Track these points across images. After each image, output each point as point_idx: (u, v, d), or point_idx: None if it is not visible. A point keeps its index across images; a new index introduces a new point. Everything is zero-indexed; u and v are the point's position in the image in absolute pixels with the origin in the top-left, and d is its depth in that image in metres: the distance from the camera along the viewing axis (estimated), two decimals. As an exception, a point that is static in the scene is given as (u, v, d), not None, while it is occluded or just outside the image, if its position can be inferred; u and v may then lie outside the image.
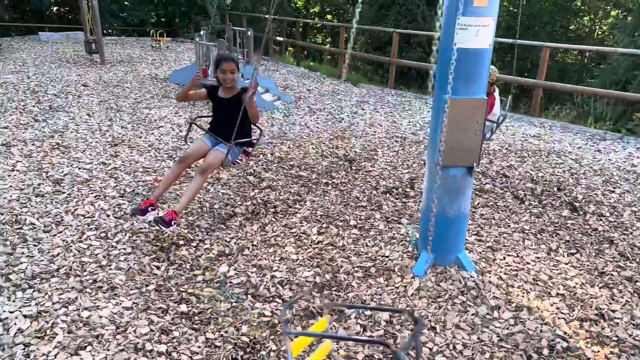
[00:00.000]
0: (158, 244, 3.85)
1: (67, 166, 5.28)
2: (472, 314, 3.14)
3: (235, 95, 4.04)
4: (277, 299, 3.25)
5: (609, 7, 22.41)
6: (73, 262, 3.49)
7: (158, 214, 3.78)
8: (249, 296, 3.27)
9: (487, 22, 2.99)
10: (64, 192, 4.63)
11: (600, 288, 3.49)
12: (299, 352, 1.32)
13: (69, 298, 3.09)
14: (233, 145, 3.87)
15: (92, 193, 4.65)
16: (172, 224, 3.61)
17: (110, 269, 3.45)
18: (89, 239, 3.84)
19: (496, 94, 5.13)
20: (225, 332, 2.92)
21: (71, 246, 3.70)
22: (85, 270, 3.41)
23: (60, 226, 4.00)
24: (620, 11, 21.64)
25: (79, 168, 5.24)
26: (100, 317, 2.94)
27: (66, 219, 4.12)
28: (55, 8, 22.36)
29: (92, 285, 3.25)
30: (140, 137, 6.44)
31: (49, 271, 3.37)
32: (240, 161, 4.21)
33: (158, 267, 3.54)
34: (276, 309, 3.14)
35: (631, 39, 11.94)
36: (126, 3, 22.41)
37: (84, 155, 5.65)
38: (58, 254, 3.59)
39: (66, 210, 4.27)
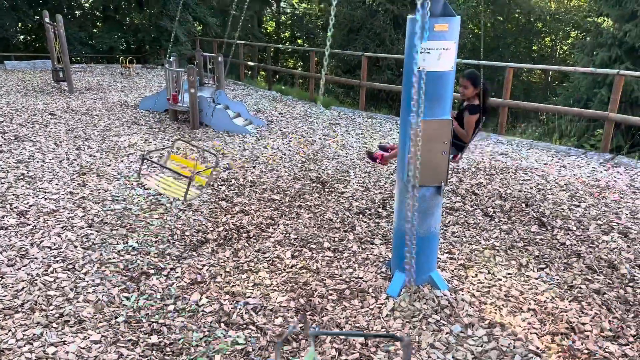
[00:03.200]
0: (127, 274, 3.77)
1: (33, 197, 5.15)
2: (447, 333, 3.15)
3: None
4: (250, 326, 3.20)
5: (568, 28, 23.32)
6: (38, 296, 3.38)
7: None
8: (222, 324, 3.22)
9: (448, 46, 3.07)
10: (29, 224, 4.51)
11: (569, 301, 3.55)
12: None
13: (34, 334, 2.99)
14: None
15: (58, 224, 4.54)
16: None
17: (78, 302, 3.36)
18: (56, 271, 3.73)
19: None
20: (198, 362, 2.85)
21: (36, 280, 3.59)
22: (51, 304, 3.31)
23: (25, 259, 3.88)
24: (579, 32, 22.54)
25: (45, 199, 5.12)
26: (67, 352, 2.85)
27: (31, 252, 4.00)
28: (21, 36, 22.08)
29: (59, 320, 3.15)
30: (109, 165, 6.34)
31: (12, 307, 3.25)
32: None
33: (128, 298, 3.46)
34: (250, 337, 3.09)
35: (590, 58, 12.41)
36: (94, 30, 22.28)
37: (50, 185, 5.53)
38: (22, 288, 3.48)
39: (31, 243, 4.15)
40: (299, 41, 28.40)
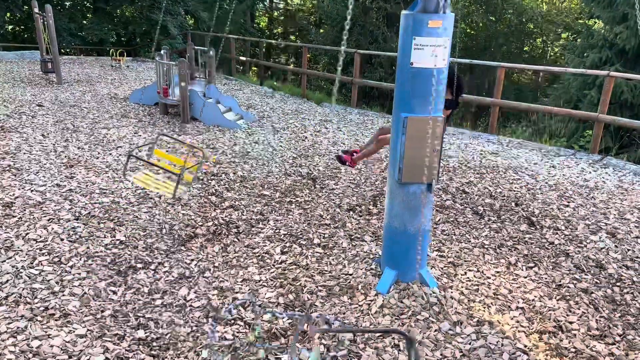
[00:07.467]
0: (115, 267, 3.72)
1: (19, 189, 5.07)
2: (435, 330, 3.15)
3: None
4: (239, 322, 3.18)
5: (559, 30, 23.46)
6: (23, 289, 3.33)
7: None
8: (210, 319, 3.19)
9: (442, 43, 3.06)
10: (14, 216, 4.44)
11: (557, 300, 3.56)
12: None
13: (18, 327, 2.94)
14: None
15: (45, 216, 4.48)
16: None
17: (64, 295, 3.31)
18: (41, 264, 3.68)
19: None
20: (185, 357, 2.83)
21: (21, 272, 3.54)
22: (36, 297, 3.26)
23: (9, 251, 3.82)
24: (570, 33, 22.69)
25: (32, 190, 5.05)
26: (52, 346, 2.81)
27: (16, 244, 3.94)
28: (10, 27, 21.78)
29: (44, 313, 3.11)
30: (98, 158, 6.27)
31: (-4, 299, 3.20)
32: None
33: (115, 292, 3.42)
34: (238, 332, 3.07)
35: (581, 59, 12.50)
36: (85, 22, 22.02)
37: (37, 177, 5.45)
38: (7, 280, 3.42)
39: (17, 235, 4.09)
40: (292, 37, 28.31)
